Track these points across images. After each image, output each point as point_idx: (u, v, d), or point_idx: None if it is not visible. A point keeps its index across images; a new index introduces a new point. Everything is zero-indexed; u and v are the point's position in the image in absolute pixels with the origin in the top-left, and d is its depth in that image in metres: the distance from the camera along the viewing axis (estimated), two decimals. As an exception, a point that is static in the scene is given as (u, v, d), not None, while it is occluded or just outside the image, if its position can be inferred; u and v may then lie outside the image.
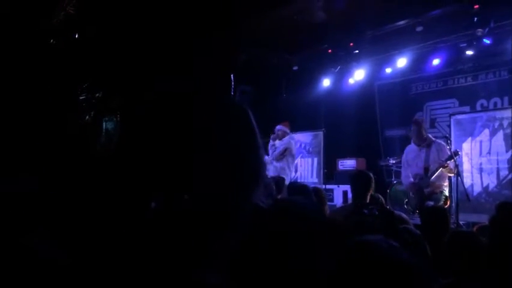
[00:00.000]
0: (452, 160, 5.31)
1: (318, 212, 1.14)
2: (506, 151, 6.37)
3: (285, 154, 6.87)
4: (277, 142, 7.06)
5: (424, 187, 5.47)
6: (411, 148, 5.78)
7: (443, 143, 5.55)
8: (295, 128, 7.99)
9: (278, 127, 7.11)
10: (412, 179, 5.70)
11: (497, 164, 6.28)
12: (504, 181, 6.37)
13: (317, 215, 1.11)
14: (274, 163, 6.84)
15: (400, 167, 7.10)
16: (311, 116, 8.76)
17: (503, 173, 6.37)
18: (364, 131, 8.54)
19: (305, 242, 0.91)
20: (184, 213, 0.77)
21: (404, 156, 5.97)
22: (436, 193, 5.38)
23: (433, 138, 5.70)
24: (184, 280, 0.73)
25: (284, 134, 7.04)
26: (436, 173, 5.37)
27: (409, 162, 5.77)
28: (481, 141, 6.56)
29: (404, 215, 3.24)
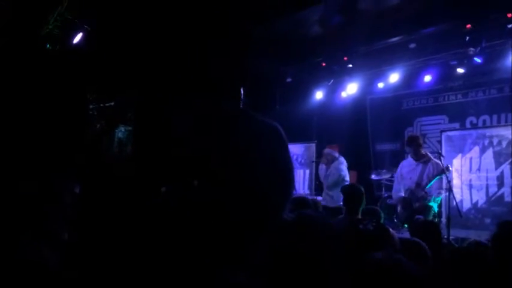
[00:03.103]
0: (444, 174, 5.38)
1: (330, 227, 1.16)
2: (496, 168, 6.48)
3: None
4: (325, 167, 6.77)
5: (413, 201, 5.53)
6: (408, 162, 5.84)
7: (440, 162, 5.61)
8: (288, 139, 8.01)
9: (327, 151, 6.84)
10: (402, 193, 5.75)
11: (487, 180, 6.38)
12: (493, 198, 6.47)
13: (329, 229, 1.13)
14: (329, 192, 6.57)
15: (390, 181, 7.18)
16: (304, 127, 8.81)
17: (493, 189, 6.47)
18: (356, 144, 8.61)
19: (322, 254, 0.93)
20: (223, 215, 0.78)
21: (398, 169, 6.03)
22: (425, 208, 5.43)
23: (431, 156, 5.76)
24: (211, 278, 0.75)
25: (333, 159, 6.71)
26: (431, 183, 5.44)
27: (403, 176, 5.83)
28: (471, 158, 6.67)
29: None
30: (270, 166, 0.80)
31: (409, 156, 5.80)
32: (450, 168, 5.60)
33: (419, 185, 5.49)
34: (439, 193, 5.57)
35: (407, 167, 5.78)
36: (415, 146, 5.59)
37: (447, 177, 5.43)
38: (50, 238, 1.32)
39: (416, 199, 5.49)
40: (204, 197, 0.81)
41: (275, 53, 7.14)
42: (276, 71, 8.09)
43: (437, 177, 5.43)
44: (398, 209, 5.84)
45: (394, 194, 6.08)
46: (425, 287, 0.97)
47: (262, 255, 0.83)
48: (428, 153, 5.81)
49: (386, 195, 7.02)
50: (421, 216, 5.20)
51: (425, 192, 5.45)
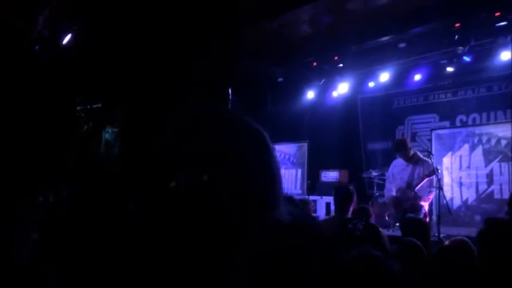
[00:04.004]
0: (434, 175, 5.43)
1: (318, 229, 1.16)
2: (485, 166, 6.54)
3: None
4: None
5: (405, 201, 5.58)
6: (398, 162, 5.89)
7: (430, 161, 5.66)
8: (279, 139, 8.04)
9: None
10: (394, 193, 5.80)
11: (477, 178, 6.44)
12: (483, 195, 6.53)
13: (318, 231, 1.13)
14: None
15: (382, 179, 7.22)
16: (295, 127, 8.84)
17: (482, 187, 6.53)
18: (347, 144, 8.65)
19: (309, 255, 0.94)
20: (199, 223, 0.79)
21: (390, 169, 6.08)
22: (416, 207, 5.48)
23: (421, 156, 5.82)
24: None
25: None
26: (420, 184, 5.50)
27: (394, 176, 5.89)
28: (460, 156, 6.72)
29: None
30: (249, 169, 0.81)
31: (399, 157, 5.86)
32: (439, 170, 5.63)
33: (410, 184, 5.54)
34: (430, 191, 5.61)
35: (398, 167, 5.84)
36: (403, 150, 5.67)
37: (437, 177, 5.49)
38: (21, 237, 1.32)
39: (407, 198, 5.54)
40: (184, 199, 0.81)
41: (266, 52, 7.15)
42: (267, 71, 8.10)
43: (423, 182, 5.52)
44: (390, 208, 5.90)
45: (386, 193, 6.12)
46: (403, 285, 0.98)
47: (248, 257, 0.84)
48: (418, 153, 5.87)
49: (377, 194, 7.06)
50: (412, 215, 5.26)
51: (415, 192, 5.51)
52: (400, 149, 5.72)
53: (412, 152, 5.74)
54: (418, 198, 5.49)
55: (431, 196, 5.69)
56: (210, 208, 0.78)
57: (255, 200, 0.79)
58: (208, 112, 0.90)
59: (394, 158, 6.08)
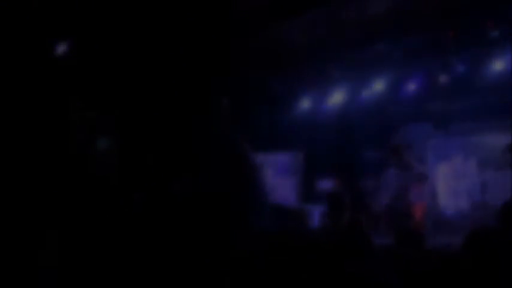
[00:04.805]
0: (427, 183, 5.44)
1: (311, 239, 1.16)
2: (479, 174, 6.56)
3: None
4: None
5: (398, 209, 5.59)
6: (391, 171, 5.95)
7: (423, 169, 5.68)
8: (275, 148, 8.04)
9: None
10: (388, 201, 5.81)
11: (471, 186, 6.46)
12: (477, 204, 6.54)
13: (310, 241, 1.13)
14: None
15: (377, 187, 7.22)
16: (290, 136, 8.83)
17: (477, 195, 6.54)
18: (342, 152, 8.64)
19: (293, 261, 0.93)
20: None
21: (384, 177, 6.09)
22: (408, 216, 5.49)
23: (415, 163, 5.83)
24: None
25: None
26: (413, 192, 5.52)
27: (388, 185, 5.92)
28: (455, 165, 6.74)
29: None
30: (226, 180, 0.81)
31: (393, 165, 5.92)
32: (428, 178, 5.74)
33: (402, 192, 5.55)
34: (423, 198, 5.66)
35: (391, 176, 5.90)
36: (397, 157, 5.75)
37: (430, 184, 5.50)
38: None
39: (401, 207, 5.55)
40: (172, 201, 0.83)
41: (261, 62, 7.18)
42: (262, 81, 8.12)
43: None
44: (384, 217, 5.89)
45: (379, 202, 6.13)
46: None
47: (228, 263, 0.84)
48: (412, 161, 5.88)
49: (372, 202, 7.06)
50: (405, 225, 5.27)
51: (409, 201, 5.52)
52: (394, 156, 5.73)
53: (405, 160, 5.75)
54: (411, 206, 5.50)
55: (425, 203, 5.69)
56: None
57: (230, 205, 0.79)
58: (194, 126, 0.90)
59: (388, 167, 6.09)
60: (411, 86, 7.57)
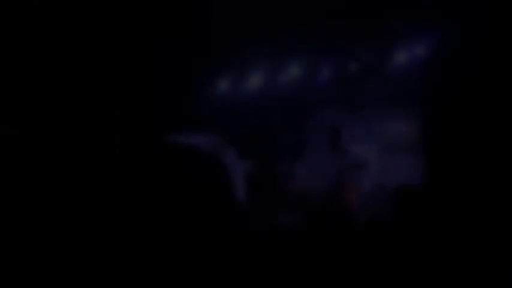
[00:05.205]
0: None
1: None
2: (383, 160, 6.98)
3: None
4: None
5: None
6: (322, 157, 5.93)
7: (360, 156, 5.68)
8: (188, 129, 7.82)
9: None
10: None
11: (374, 171, 6.87)
12: (379, 187, 6.97)
13: None
14: None
15: (293, 172, 7.35)
16: (205, 117, 8.66)
17: (379, 179, 6.97)
18: (258, 135, 8.71)
19: None
20: None
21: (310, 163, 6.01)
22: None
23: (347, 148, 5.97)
24: None
25: None
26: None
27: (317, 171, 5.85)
28: (362, 149, 7.10)
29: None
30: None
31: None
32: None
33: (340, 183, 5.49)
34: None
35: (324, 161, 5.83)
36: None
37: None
38: None
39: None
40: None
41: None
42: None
43: None
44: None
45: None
46: None
47: None
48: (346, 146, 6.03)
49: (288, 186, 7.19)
50: None
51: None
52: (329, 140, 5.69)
53: (340, 144, 5.81)
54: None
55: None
56: None
57: None
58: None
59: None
60: (325, 72, 7.80)
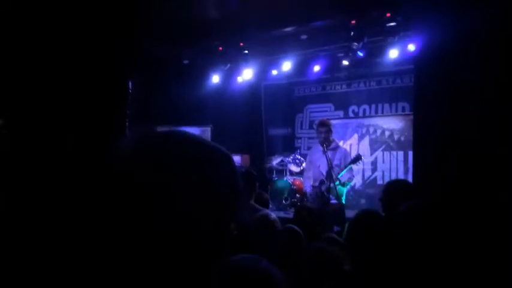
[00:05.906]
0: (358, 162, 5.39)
1: None
2: (371, 154, 7.17)
3: None
4: None
5: (325, 190, 5.30)
6: (316, 149, 5.68)
7: (348, 150, 5.78)
8: (182, 123, 7.96)
9: None
10: (312, 182, 5.63)
11: (363, 165, 7.04)
12: (368, 181, 7.17)
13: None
14: None
15: (281, 165, 7.54)
16: (199, 111, 8.80)
17: (368, 173, 7.16)
18: (250, 129, 8.87)
19: None
20: None
21: (308, 156, 5.98)
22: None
23: (339, 143, 5.78)
24: None
25: None
26: (344, 171, 5.34)
27: (312, 162, 5.69)
28: (350, 145, 7.28)
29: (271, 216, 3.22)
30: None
31: (318, 142, 5.59)
32: (363, 158, 5.46)
33: (329, 173, 5.19)
34: (350, 179, 5.50)
35: (316, 153, 5.60)
36: (326, 130, 5.42)
37: (358, 164, 5.49)
38: None
39: (327, 188, 5.24)
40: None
41: (171, 34, 6.96)
42: (172, 53, 7.91)
43: (349, 167, 5.39)
44: (309, 195, 5.66)
45: (304, 180, 5.99)
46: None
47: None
48: (336, 140, 5.79)
49: (276, 178, 7.39)
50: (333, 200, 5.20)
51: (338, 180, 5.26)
52: (324, 127, 5.44)
53: (331, 138, 5.56)
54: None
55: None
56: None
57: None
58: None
59: (294, 144, 6.28)
60: (316, 68, 7.94)
